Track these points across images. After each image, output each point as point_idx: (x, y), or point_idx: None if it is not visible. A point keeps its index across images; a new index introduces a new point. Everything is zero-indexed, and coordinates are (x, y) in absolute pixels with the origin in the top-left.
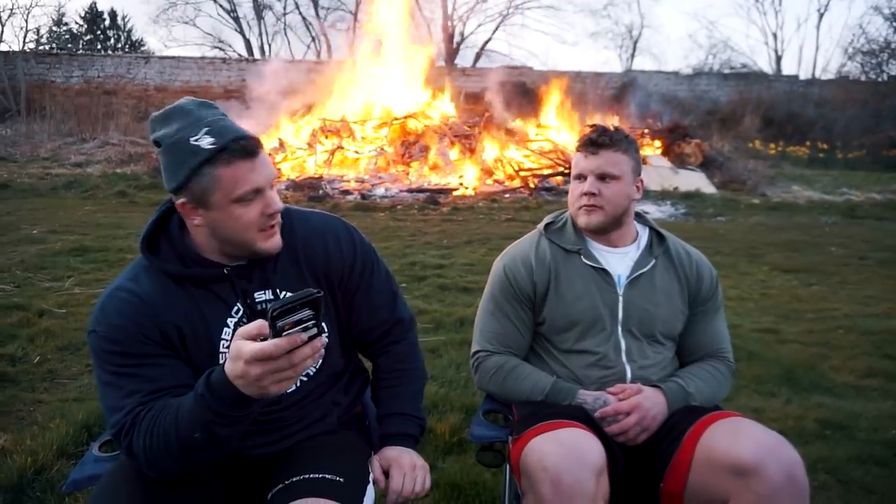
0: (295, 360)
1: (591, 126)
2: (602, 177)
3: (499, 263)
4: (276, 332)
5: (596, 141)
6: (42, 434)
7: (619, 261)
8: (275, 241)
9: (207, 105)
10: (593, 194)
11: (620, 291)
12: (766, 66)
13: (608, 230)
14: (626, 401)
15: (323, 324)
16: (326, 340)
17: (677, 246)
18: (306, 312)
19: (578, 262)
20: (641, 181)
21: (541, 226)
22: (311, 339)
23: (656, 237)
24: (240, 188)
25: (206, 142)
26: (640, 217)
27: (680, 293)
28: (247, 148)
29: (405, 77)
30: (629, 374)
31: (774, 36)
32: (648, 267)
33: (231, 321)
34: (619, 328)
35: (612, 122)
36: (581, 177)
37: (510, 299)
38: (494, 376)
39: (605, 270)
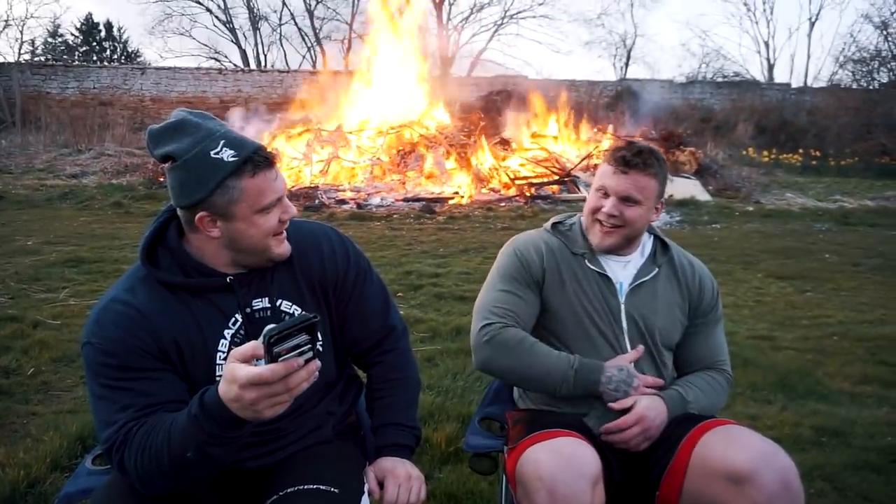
0: (290, 384)
1: (627, 141)
2: (626, 199)
3: (508, 248)
4: (272, 358)
5: (629, 161)
6: (36, 447)
7: (621, 268)
8: (286, 247)
9: (208, 116)
10: (613, 216)
11: (622, 299)
12: (758, 74)
13: (618, 249)
14: (631, 413)
15: (319, 345)
16: (320, 364)
17: (681, 256)
18: (303, 337)
19: (584, 265)
20: (662, 203)
21: (547, 225)
22: (306, 362)
23: (660, 246)
24: (265, 199)
25: (227, 154)
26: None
27: (680, 304)
28: (268, 158)
29: (400, 87)
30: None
31: (766, 45)
32: (651, 276)
33: (228, 333)
34: (626, 336)
35: (602, 131)
36: (603, 192)
37: (521, 280)
38: (516, 348)
39: (607, 277)
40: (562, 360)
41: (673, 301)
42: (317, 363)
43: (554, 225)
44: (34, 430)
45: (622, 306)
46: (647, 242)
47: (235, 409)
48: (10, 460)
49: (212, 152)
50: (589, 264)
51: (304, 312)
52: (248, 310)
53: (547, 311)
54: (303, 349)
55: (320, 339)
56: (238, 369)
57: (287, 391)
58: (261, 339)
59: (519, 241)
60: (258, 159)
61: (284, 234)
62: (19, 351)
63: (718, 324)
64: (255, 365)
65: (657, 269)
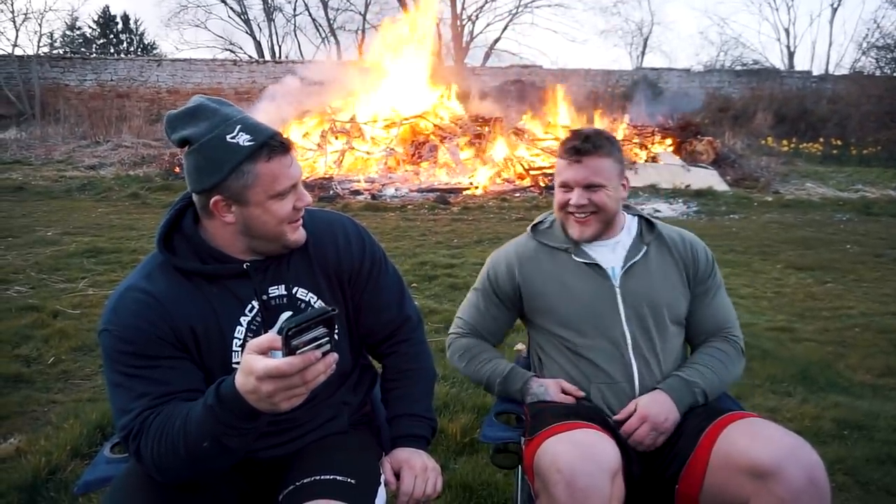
0: (308, 377)
1: (572, 131)
2: (589, 186)
3: (488, 261)
4: (290, 350)
5: (580, 149)
6: (56, 434)
7: (610, 252)
8: (301, 233)
9: (226, 103)
10: (583, 205)
11: (617, 283)
12: (778, 62)
13: (601, 235)
14: (633, 417)
15: (336, 336)
16: (338, 357)
17: (669, 231)
18: (321, 330)
19: (568, 260)
20: (627, 179)
21: (529, 228)
22: (324, 355)
23: (646, 225)
24: (279, 184)
25: (243, 139)
26: (627, 208)
27: (678, 274)
28: (284, 144)
29: (415, 77)
30: (636, 372)
31: (787, 31)
32: (641, 254)
33: (244, 319)
34: (624, 320)
35: (617, 121)
36: (565, 186)
37: (489, 299)
38: (461, 357)
39: (597, 265)
40: (495, 371)
41: (669, 273)
42: (334, 356)
43: (534, 227)
44: (54, 418)
45: (617, 290)
46: (632, 224)
47: (252, 401)
48: (31, 447)
49: (228, 136)
50: (575, 257)
51: (322, 304)
52: (265, 297)
53: (539, 314)
54: (320, 342)
55: (337, 329)
56: (255, 361)
57: (304, 384)
58: (276, 330)
59: (493, 257)
60: (274, 144)
61: (300, 221)
62: (40, 340)
63: (719, 290)
64: (273, 357)
65: (646, 248)
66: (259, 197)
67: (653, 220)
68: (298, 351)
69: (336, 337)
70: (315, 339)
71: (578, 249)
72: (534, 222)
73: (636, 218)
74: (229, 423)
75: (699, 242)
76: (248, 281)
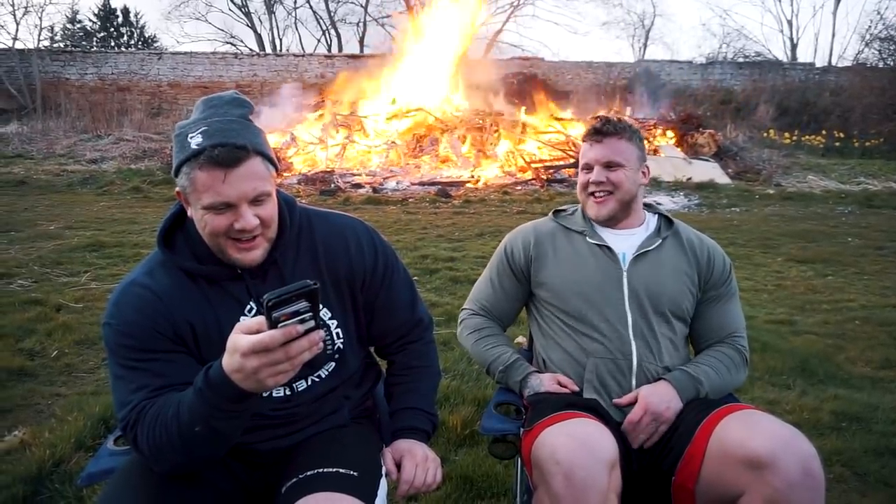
0: (291, 352)
1: (596, 117)
2: (608, 165)
3: (506, 238)
4: (272, 324)
5: (600, 130)
6: (60, 427)
7: (623, 240)
8: (251, 255)
9: (237, 103)
10: (601, 182)
11: (625, 267)
12: (780, 54)
13: (618, 218)
14: (635, 407)
15: (330, 322)
16: (324, 335)
17: (688, 231)
18: (302, 304)
19: (582, 242)
20: (647, 168)
21: (552, 212)
22: (308, 331)
23: (665, 222)
24: (207, 197)
25: (195, 141)
26: (649, 206)
27: (688, 272)
28: (220, 158)
29: (417, 71)
30: (635, 351)
31: (789, 23)
32: (654, 246)
33: (245, 319)
34: (626, 303)
35: (619, 113)
36: (588, 167)
37: (504, 272)
38: (470, 335)
39: (608, 248)
40: (499, 358)
41: (679, 268)
42: (320, 334)
43: (556, 212)
44: (58, 410)
45: (624, 274)
46: (651, 220)
47: (238, 380)
48: (36, 440)
49: (189, 134)
50: (589, 240)
51: (326, 310)
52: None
53: (545, 288)
54: (303, 316)
55: (342, 336)
56: (240, 339)
57: (288, 359)
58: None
59: (510, 234)
60: (210, 154)
61: (256, 242)
62: (43, 334)
63: (732, 298)
64: None
65: (661, 240)
66: (195, 202)
67: (673, 219)
68: (280, 324)
69: (341, 344)
70: (297, 312)
71: (594, 233)
72: (556, 209)
73: (656, 216)
74: (218, 405)
75: (718, 249)
76: (244, 283)
